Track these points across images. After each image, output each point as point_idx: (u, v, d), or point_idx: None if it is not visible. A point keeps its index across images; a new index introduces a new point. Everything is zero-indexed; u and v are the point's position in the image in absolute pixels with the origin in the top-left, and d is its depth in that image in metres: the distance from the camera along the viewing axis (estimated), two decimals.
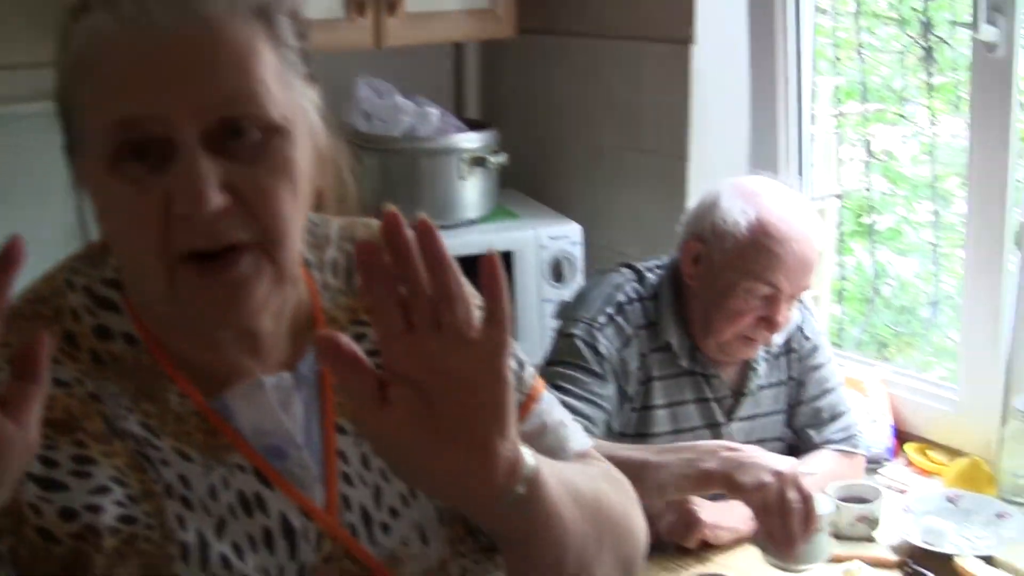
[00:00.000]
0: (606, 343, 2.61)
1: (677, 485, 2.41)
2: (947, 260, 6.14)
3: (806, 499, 2.29)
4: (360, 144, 3.37)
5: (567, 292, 3.36)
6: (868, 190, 3.85)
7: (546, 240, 3.38)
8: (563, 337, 2.67)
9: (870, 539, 2.65)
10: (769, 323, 2.60)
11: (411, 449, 1.10)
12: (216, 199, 1.12)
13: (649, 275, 2.74)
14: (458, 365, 1.08)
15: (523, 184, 3.86)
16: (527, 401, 1.45)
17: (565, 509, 1.24)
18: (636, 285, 2.71)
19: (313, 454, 1.31)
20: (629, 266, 2.78)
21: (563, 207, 3.65)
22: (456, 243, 3.19)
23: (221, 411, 1.28)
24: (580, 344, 2.61)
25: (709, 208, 2.64)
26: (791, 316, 2.67)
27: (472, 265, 3.05)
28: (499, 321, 1.09)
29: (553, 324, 3.22)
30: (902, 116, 6.71)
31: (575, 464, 1.45)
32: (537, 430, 1.44)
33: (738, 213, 2.58)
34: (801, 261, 2.56)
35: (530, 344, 3.36)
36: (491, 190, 3.51)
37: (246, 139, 1.16)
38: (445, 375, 1.08)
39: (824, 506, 2.38)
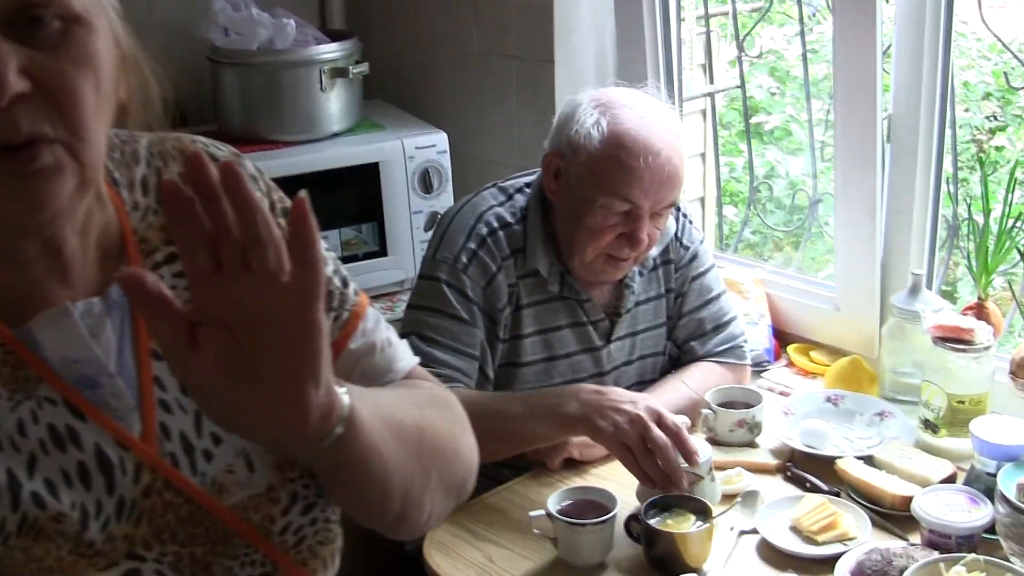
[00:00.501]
0: (471, 283, 2.50)
1: (542, 433, 2.39)
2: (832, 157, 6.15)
3: (674, 434, 2.25)
4: (218, 59, 3.24)
5: (437, 202, 3.28)
6: (738, 87, 3.66)
7: (413, 150, 3.27)
8: (426, 280, 2.55)
9: (751, 444, 2.61)
10: (631, 240, 2.47)
11: (221, 393, 1.05)
12: (16, 83, 1.06)
13: (518, 196, 2.62)
14: (268, 309, 1.02)
15: (390, 94, 3.74)
16: (352, 319, 1.41)
17: (385, 445, 1.22)
18: (500, 211, 2.57)
19: (128, 382, 1.24)
20: (498, 186, 2.66)
21: (431, 116, 3.53)
22: (320, 157, 3.13)
23: (26, 341, 1.20)
24: (445, 288, 2.50)
25: (566, 121, 2.52)
26: (659, 230, 2.56)
27: (339, 179, 2.94)
28: (311, 265, 1.02)
29: (424, 237, 3.16)
30: (787, 16, 6.69)
31: (399, 390, 1.41)
32: (364, 349, 1.41)
33: (591, 125, 2.45)
34: (659, 175, 2.43)
35: (402, 256, 3.30)
36: (355, 102, 3.38)
37: (47, 29, 1.10)
38: (255, 319, 1.02)
39: (704, 451, 2.33)
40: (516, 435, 2.38)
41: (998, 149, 6.57)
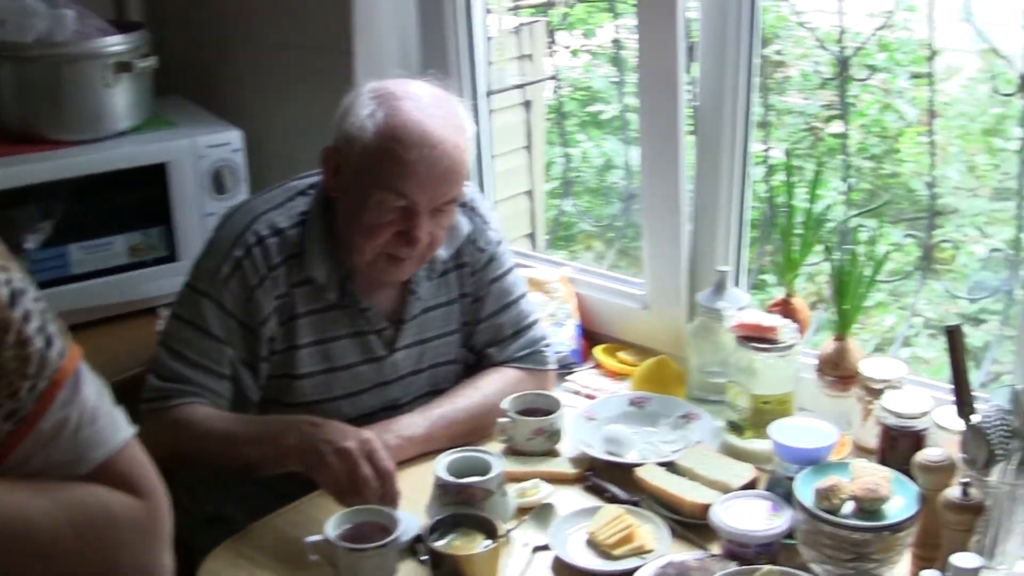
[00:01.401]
0: (232, 297, 2.36)
1: (261, 462, 2.28)
2: None
3: (384, 476, 2.16)
4: None
5: (232, 204, 3.07)
6: (553, 78, 3.55)
7: (204, 149, 3.09)
8: (188, 289, 2.42)
9: (551, 453, 2.48)
10: (408, 239, 2.33)
11: None
12: None
13: (299, 198, 2.46)
14: None
15: (187, 90, 3.54)
16: (50, 389, 1.23)
17: None
18: (274, 216, 2.41)
19: None
20: (284, 185, 2.51)
21: (229, 112, 3.34)
22: (104, 157, 2.96)
23: None
24: (203, 301, 2.36)
25: (344, 113, 2.37)
26: (443, 229, 2.42)
27: (124, 181, 2.72)
28: None
29: None
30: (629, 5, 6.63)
31: (40, 501, 1.24)
32: (53, 430, 1.23)
33: (366, 116, 2.31)
34: (436, 169, 2.29)
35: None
36: (144, 98, 3.18)
37: None
38: None
39: (495, 465, 2.23)
40: (237, 460, 2.29)
41: (835, 136, 6.59)
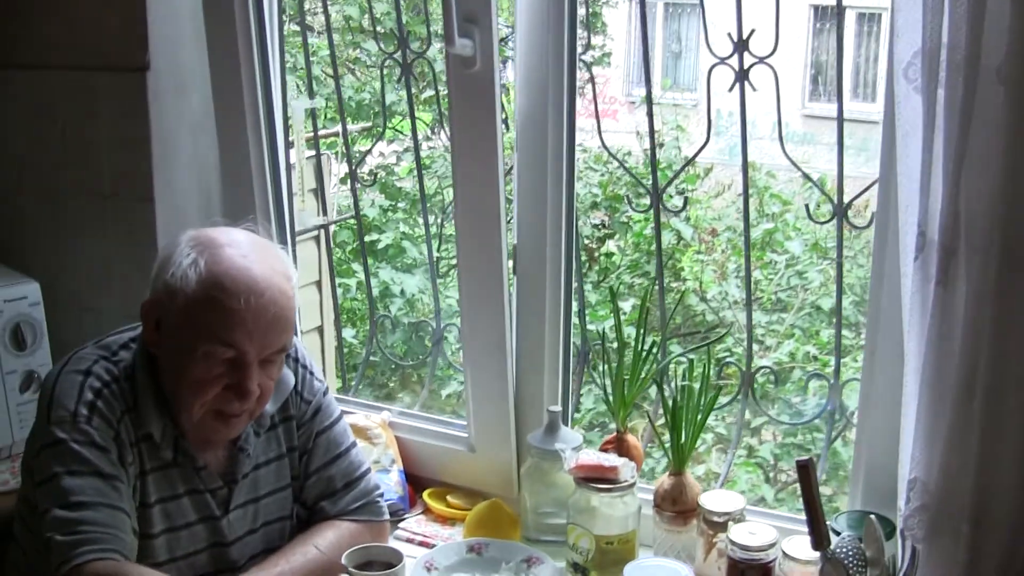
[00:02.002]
0: (99, 433, 2.21)
1: None
2: (453, 274, 6.11)
3: None
4: None
5: (33, 360, 2.96)
6: (353, 217, 3.52)
7: (1, 304, 2.93)
8: (48, 448, 2.22)
9: None
10: (239, 392, 2.22)
11: None
12: None
13: (122, 353, 2.33)
14: None
15: None
16: None
17: None
18: (106, 366, 2.29)
19: None
20: (97, 344, 2.37)
21: (21, 264, 3.18)
22: None
23: None
24: (76, 447, 2.19)
25: (163, 265, 2.27)
26: (272, 380, 2.33)
27: None
28: None
29: (21, 399, 2.85)
30: (398, 131, 6.66)
31: None
32: None
33: (188, 266, 2.21)
34: (264, 317, 2.20)
35: None
36: None
37: None
38: None
39: None
40: None
41: (607, 255, 6.73)
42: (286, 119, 3.09)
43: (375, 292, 6.95)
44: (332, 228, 7.50)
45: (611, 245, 6.73)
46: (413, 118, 3.24)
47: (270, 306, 2.21)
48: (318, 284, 5.00)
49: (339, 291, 7.05)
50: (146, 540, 2.29)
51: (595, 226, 6.66)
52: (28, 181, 3.29)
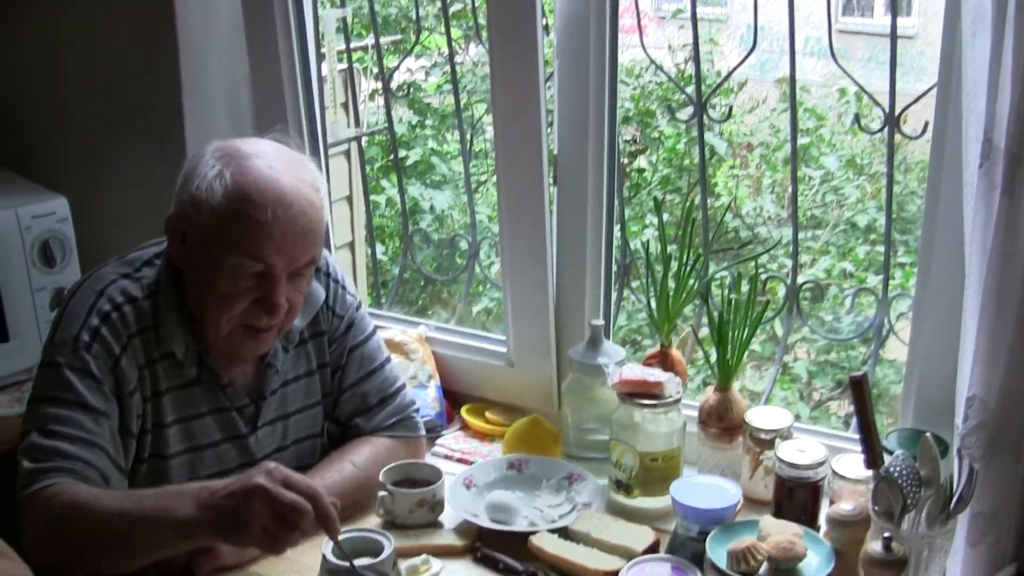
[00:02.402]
0: (97, 363, 2.17)
1: (162, 543, 2.04)
2: (484, 190, 6.05)
3: (309, 495, 1.92)
4: None
5: (62, 277, 2.91)
6: (385, 128, 3.44)
7: (29, 220, 2.88)
8: (46, 368, 2.20)
9: (434, 525, 2.36)
10: (267, 306, 2.17)
11: None
12: None
13: (146, 269, 2.29)
14: None
15: (7, 158, 3.31)
16: None
17: None
18: (126, 284, 2.25)
19: None
20: (122, 259, 2.32)
21: (52, 181, 3.12)
22: None
23: None
24: (67, 373, 2.16)
25: (188, 177, 2.20)
26: (301, 294, 2.28)
27: None
28: None
29: (50, 317, 2.81)
30: (426, 47, 6.56)
31: None
32: None
33: (213, 178, 2.14)
34: (292, 229, 2.14)
35: (26, 341, 2.90)
36: None
37: None
38: None
39: (387, 545, 2.09)
40: (136, 547, 2.04)
41: (639, 171, 6.63)
42: (317, 29, 3.01)
43: (382, 208, 6.89)
44: (363, 142, 7.45)
45: (642, 161, 6.62)
46: (448, 29, 3.15)
47: (298, 218, 2.15)
48: (349, 199, 4.92)
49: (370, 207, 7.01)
50: (162, 461, 2.27)
51: (626, 141, 6.57)
52: (59, 98, 3.23)
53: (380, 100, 3.44)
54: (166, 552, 2.08)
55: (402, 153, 6.81)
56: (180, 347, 2.24)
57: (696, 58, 2.71)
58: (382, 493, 2.33)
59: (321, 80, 3.07)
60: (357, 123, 3.23)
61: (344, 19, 3.12)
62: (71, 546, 2.05)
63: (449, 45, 3.22)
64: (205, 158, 2.18)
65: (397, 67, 3.05)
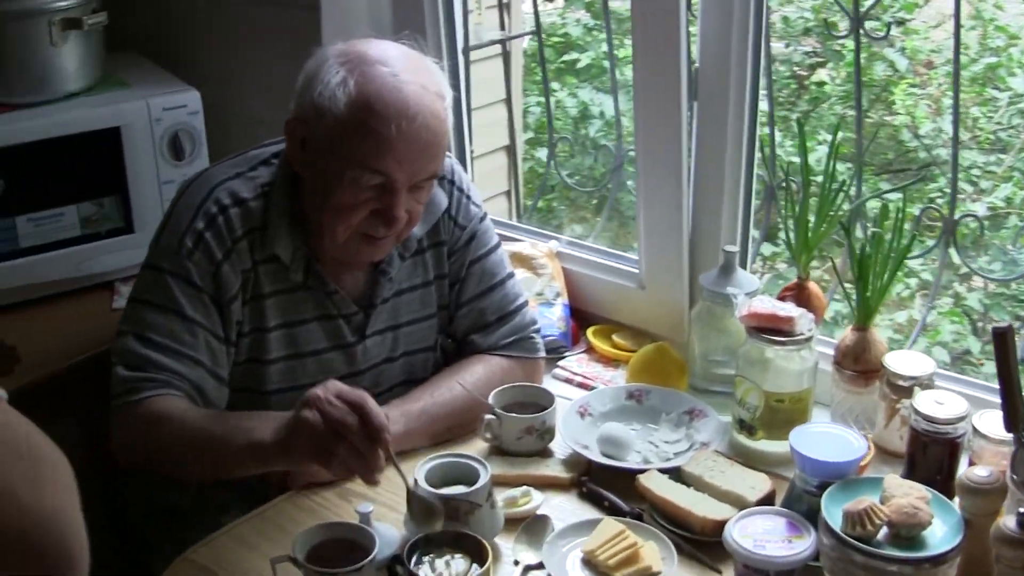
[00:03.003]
0: (198, 270, 2.12)
1: (236, 460, 2.03)
2: None
3: (357, 405, 1.86)
4: None
5: (190, 170, 2.84)
6: (533, 32, 3.28)
7: (160, 112, 2.82)
8: (149, 270, 2.17)
9: (542, 453, 2.25)
10: (386, 218, 2.10)
11: None
12: None
13: (262, 168, 2.22)
14: None
15: (143, 46, 3.26)
16: None
17: None
18: (235, 185, 2.18)
19: None
20: (242, 155, 2.27)
21: (187, 71, 3.07)
22: (52, 122, 2.73)
23: None
24: (168, 280, 2.12)
25: (310, 80, 2.11)
26: (421, 204, 2.19)
27: (75, 147, 2.45)
28: None
29: None
30: None
31: None
32: None
33: (336, 85, 2.05)
34: (415, 143, 2.05)
35: (150, 233, 2.81)
36: (96, 56, 2.90)
37: None
38: None
39: (481, 474, 2.00)
40: (217, 465, 2.06)
41: (819, 85, 6.36)
42: None
43: (574, 113, 6.76)
44: (524, 44, 7.30)
45: (822, 74, 6.34)
46: None
47: (422, 131, 2.05)
48: (507, 102, 4.79)
49: (538, 110, 6.88)
50: (261, 366, 2.23)
51: (806, 53, 6.31)
52: None
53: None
54: (250, 471, 2.08)
55: (574, 56, 6.65)
56: (287, 251, 2.17)
57: None
58: (489, 416, 2.23)
59: None
60: (502, 26, 3.07)
61: None
62: (155, 459, 2.09)
63: None
64: (328, 62, 2.10)
65: None
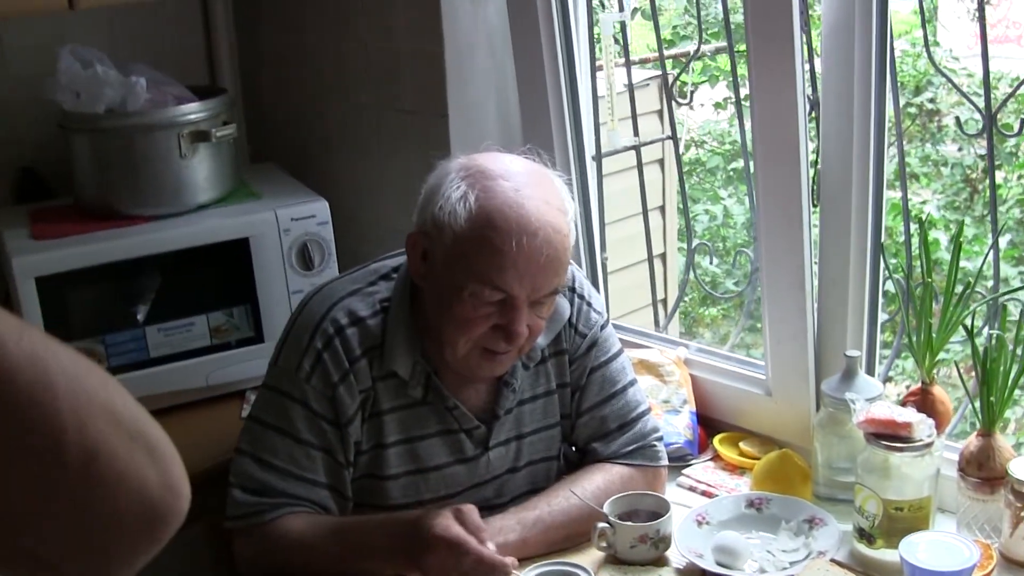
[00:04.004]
0: (315, 394, 2.15)
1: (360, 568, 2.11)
2: None
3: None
4: (67, 125, 2.88)
5: (319, 280, 2.88)
6: (670, 137, 3.28)
7: (288, 222, 2.87)
8: (268, 391, 2.21)
9: (658, 562, 2.20)
10: (507, 334, 2.09)
11: None
12: None
13: (381, 283, 2.25)
14: None
15: (282, 158, 3.36)
16: None
17: None
18: (353, 303, 2.20)
19: None
20: (366, 268, 2.31)
21: (319, 181, 3.15)
22: (181, 233, 2.80)
23: None
24: (287, 403, 2.16)
25: (432, 193, 2.13)
26: (543, 319, 2.18)
27: (204, 257, 2.53)
28: None
29: None
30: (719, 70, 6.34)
31: None
32: None
33: (457, 200, 2.06)
34: (536, 260, 2.04)
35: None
36: (227, 167, 2.99)
37: None
38: None
39: None
40: (352, 554, 2.11)
41: (997, 187, 6.21)
42: (592, 34, 2.89)
43: (740, 220, 6.71)
44: (705, 147, 7.30)
45: (998, 176, 6.20)
46: (731, 46, 2.93)
47: (544, 247, 2.05)
48: (661, 209, 4.80)
49: (704, 217, 6.87)
50: (380, 481, 2.23)
51: (980, 156, 6.18)
52: (328, 96, 3.26)
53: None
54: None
55: (739, 163, 6.62)
56: (405, 368, 2.18)
57: (984, 60, 2.43)
58: (602, 524, 2.20)
59: (596, 88, 2.95)
60: (636, 132, 3.07)
61: (623, 22, 2.98)
62: (276, 569, 2.13)
63: (733, 70, 3.01)
64: (450, 176, 2.11)
65: (677, 78, 2.87)
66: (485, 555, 1.94)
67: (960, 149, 6.40)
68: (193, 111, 2.87)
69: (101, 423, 0.87)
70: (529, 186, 2.08)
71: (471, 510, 2.00)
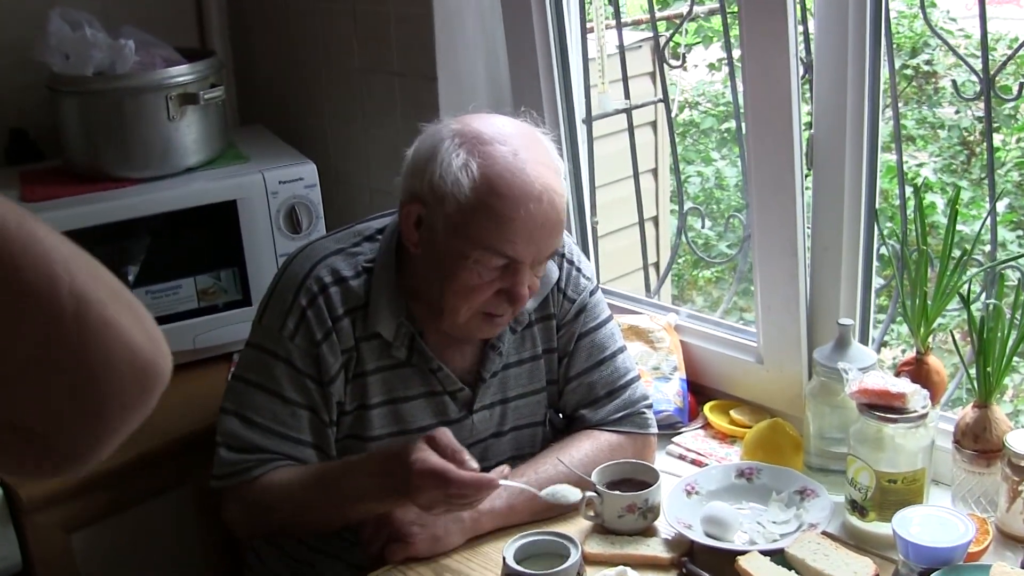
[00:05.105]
0: (299, 352, 2.13)
1: (343, 512, 2.15)
2: None
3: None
4: (56, 87, 2.83)
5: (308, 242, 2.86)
6: (660, 100, 3.22)
7: (276, 185, 2.84)
8: (252, 349, 2.20)
9: (646, 532, 2.17)
10: (511, 296, 2.09)
11: None
12: None
13: (365, 244, 2.21)
14: None
15: (268, 119, 3.31)
16: None
17: None
18: (336, 261, 2.17)
19: None
20: (350, 229, 2.28)
21: (308, 143, 3.12)
22: (169, 196, 2.76)
23: None
24: (271, 361, 2.14)
25: (426, 160, 2.09)
26: (539, 277, 2.17)
27: (192, 220, 2.48)
28: None
29: None
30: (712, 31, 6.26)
31: None
32: None
33: (459, 168, 2.03)
34: (540, 223, 2.04)
35: None
36: (215, 130, 2.94)
37: None
38: None
39: (573, 552, 1.97)
40: (326, 520, 2.14)
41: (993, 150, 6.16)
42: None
43: (732, 182, 6.66)
44: (701, 108, 7.25)
45: (996, 140, 6.15)
46: (723, 6, 2.88)
47: (548, 210, 2.05)
48: (654, 172, 4.76)
49: (697, 179, 6.82)
50: (365, 443, 2.20)
51: (977, 118, 6.13)
52: (315, 60, 3.22)
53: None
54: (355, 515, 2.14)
55: (732, 123, 6.57)
56: (389, 329, 2.16)
57: (983, 21, 2.37)
58: (590, 494, 2.16)
59: (586, 52, 2.90)
60: (627, 95, 3.01)
61: None
62: (265, 524, 2.18)
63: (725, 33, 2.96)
64: (446, 143, 2.08)
65: (670, 39, 2.81)
66: (467, 479, 1.94)
67: (957, 112, 6.36)
68: (181, 73, 2.82)
69: (86, 275, 0.89)
70: (526, 148, 2.07)
71: (443, 433, 2.00)
